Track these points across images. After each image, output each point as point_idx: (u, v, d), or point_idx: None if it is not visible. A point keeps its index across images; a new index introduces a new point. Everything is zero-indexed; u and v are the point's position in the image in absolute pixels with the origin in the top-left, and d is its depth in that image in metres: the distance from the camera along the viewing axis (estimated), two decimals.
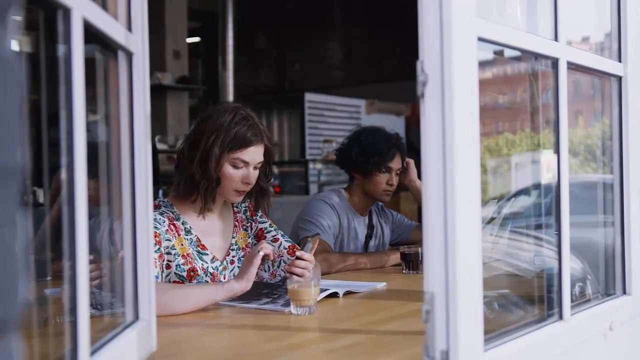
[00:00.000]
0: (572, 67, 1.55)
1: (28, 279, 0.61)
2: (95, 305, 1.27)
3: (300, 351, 1.52)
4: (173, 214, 2.17)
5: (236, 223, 2.32)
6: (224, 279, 2.21)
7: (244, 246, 2.31)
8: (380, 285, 2.31)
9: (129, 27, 1.32)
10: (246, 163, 2.14)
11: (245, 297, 2.03)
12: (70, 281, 0.99)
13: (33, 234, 1.15)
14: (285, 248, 2.29)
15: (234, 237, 2.29)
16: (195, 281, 2.13)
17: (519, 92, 2.02)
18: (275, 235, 2.34)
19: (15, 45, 0.60)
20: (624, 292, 1.79)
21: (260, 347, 1.53)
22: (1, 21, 0.57)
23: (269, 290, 2.10)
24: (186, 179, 2.15)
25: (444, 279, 1.15)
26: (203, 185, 2.12)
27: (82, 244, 1.00)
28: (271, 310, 1.88)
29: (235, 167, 2.14)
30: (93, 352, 1.08)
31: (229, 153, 2.12)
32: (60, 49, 0.99)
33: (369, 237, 3.09)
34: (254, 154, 2.15)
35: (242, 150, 2.13)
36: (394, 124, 6.60)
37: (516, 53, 1.54)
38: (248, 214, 2.36)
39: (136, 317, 1.35)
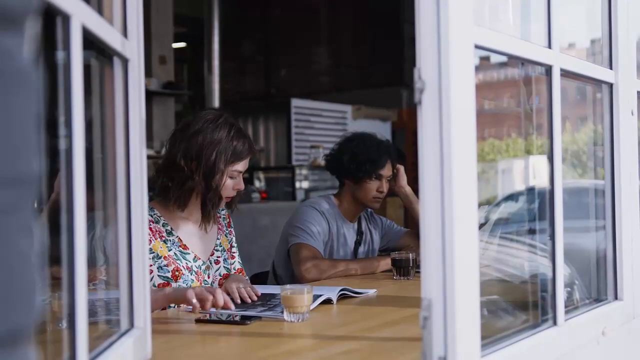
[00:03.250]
0: (565, 74, 1.56)
1: (42, 288, 0.61)
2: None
3: (296, 358, 1.51)
4: (152, 217, 2.22)
5: (220, 226, 2.41)
6: (208, 278, 2.29)
7: (227, 248, 2.41)
8: (372, 292, 2.31)
9: (125, 34, 1.31)
10: (240, 173, 2.27)
11: (242, 306, 2.02)
12: (69, 289, 0.98)
13: None
14: (234, 269, 2.39)
15: (218, 239, 2.38)
16: (181, 280, 2.18)
17: (505, 98, 2.03)
18: (235, 253, 2.46)
19: (31, 53, 0.60)
20: (616, 298, 1.80)
21: (255, 354, 1.53)
22: (18, 30, 0.57)
23: (264, 300, 2.09)
24: (187, 192, 2.21)
25: (442, 285, 1.15)
26: (210, 199, 2.21)
27: (80, 251, 0.99)
28: (270, 318, 1.86)
29: (231, 177, 2.25)
30: None
31: (230, 166, 2.23)
32: (59, 55, 0.99)
33: (358, 243, 3.09)
34: (247, 163, 2.30)
35: (241, 162, 2.26)
36: (380, 130, 6.60)
37: (503, 59, 1.55)
38: (226, 222, 2.46)
39: (131, 325, 1.34)
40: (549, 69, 1.50)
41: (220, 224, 2.41)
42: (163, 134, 7.45)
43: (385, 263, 2.78)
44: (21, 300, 0.55)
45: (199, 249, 2.29)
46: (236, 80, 10.02)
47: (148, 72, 7.23)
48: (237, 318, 1.85)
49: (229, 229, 2.46)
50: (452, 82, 1.14)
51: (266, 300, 2.08)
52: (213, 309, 1.95)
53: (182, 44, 9.69)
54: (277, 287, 2.27)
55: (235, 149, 2.22)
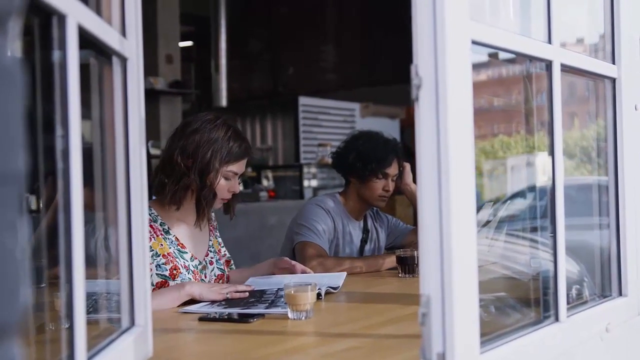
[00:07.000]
0: (566, 69, 1.55)
1: (28, 284, 0.61)
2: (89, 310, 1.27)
3: (298, 355, 1.51)
4: (150, 216, 2.24)
5: (211, 228, 2.46)
6: (205, 277, 2.33)
7: (217, 250, 2.44)
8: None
9: (123, 33, 1.32)
10: (236, 174, 2.29)
11: (240, 304, 2.01)
12: (67, 287, 0.99)
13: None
14: (215, 275, 2.38)
15: (210, 240, 2.42)
16: (179, 279, 2.21)
17: (514, 95, 2.02)
18: (222, 247, 2.48)
19: (15, 52, 0.60)
20: (620, 294, 1.79)
21: (257, 352, 1.53)
22: (1, 30, 0.57)
23: (258, 297, 2.10)
24: (182, 189, 2.24)
25: (440, 281, 1.15)
26: (204, 196, 2.25)
27: (78, 250, 0.99)
28: (273, 315, 1.86)
29: (226, 178, 2.28)
30: (89, 358, 1.07)
31: (225, 166, 2.25)
32: (55, 55, 0.99)
33: (364, 241, 3.09)
34: (243, 165, 2.32)
35: (236, 163, 2.28)
36: (388, 128, 6.61)
37: (510, 55, 1.55)
38: (215, 224, 2.50)
39: (132, 323, 1.35)
40: (549, 64, 1.50)
41: (212, 225, 2.46)
42: (170, 134, 7.46)
43: (390, 260, 2.78)
44: (5, 296, 0.56)
45: (195, 249, 2.33)
46: (243, 79, 10.01)
47: (155, 71, 7.24)
48: (240, 316, 1.85)
49: (216, 232, 2.50)
50: (448, 79, 1.14)
51: (259, 297, 2.08)
52: (215, 308, 1.96)
53: (188, 43, 9.69)
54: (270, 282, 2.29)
55: (231, 149, 2.24)
